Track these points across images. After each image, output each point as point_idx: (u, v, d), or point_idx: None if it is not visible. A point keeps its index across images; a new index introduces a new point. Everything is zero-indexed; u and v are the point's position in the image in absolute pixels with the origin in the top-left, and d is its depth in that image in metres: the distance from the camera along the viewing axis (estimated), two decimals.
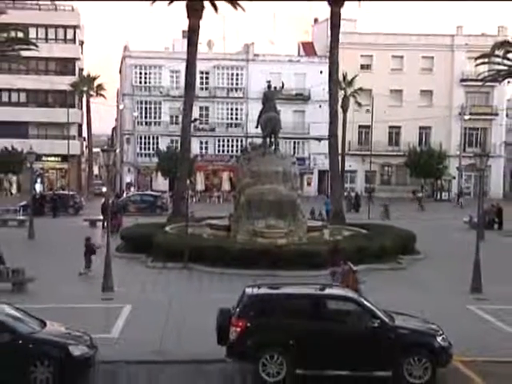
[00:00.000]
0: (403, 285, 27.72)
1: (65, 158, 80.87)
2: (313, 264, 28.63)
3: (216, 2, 48.32)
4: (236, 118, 79.38)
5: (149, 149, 78.22)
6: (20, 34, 51.37)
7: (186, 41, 51.67)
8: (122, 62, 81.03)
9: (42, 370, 15.79)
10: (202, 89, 73.58)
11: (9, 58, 51.64)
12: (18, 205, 54.95)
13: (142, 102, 78.90)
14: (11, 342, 15.97)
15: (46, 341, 16.35)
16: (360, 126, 78.08)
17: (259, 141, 39.60)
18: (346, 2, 47.64)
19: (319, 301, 17.24)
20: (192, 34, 48.89)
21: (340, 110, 55.07)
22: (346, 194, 60.44)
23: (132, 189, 74.86)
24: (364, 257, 30.00)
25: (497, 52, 50.27)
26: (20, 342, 16.02)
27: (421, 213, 61.05)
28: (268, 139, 36.15)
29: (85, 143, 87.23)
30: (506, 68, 50.34)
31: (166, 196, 61.35)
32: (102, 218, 43.62)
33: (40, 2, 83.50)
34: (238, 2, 48.05)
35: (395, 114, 78.32)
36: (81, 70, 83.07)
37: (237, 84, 79.50)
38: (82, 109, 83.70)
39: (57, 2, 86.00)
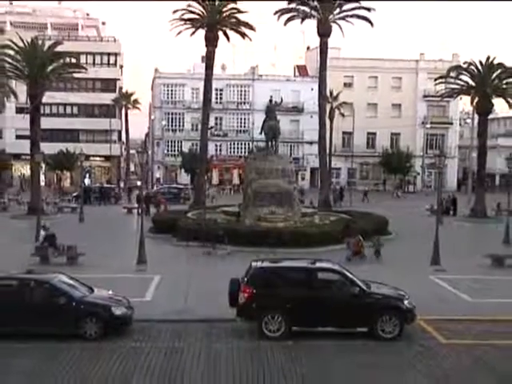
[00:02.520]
0: (378, 259, 27.85)
1: (107, 158, 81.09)
2: (306, 243, 28.65)
3: (228, 34, 48.33)
4: (244, 126, 79.19)
5: (174, 150, 78.15)
6: (73, 60, 51.30)
7: (204, 64, 51.67)
8: (153, 82, 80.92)
9: (91, 326, 16.02)
10: (216, 103, 73.36)
11: (64, 79, 51.65)
12: (71, 195, 55.27)
13: (168, 113, 78.82)
14: (67, 303, 16.16)
15: (94, 303, 16.56)
16: (343, 132, 77.87)
17: (263, 144, 39.64)
18: (331, 34, 47.84)
19: (311, 272, 17.36)
20: (209, 59, 48.93)
21: (327, 120, 54.94)
22: (332, 186, 60.31)
23: (161, 182, 75.14)
24: (346, 237, 30.01)
25: (451, 74, 50.23)
26: (74, 303, 16.21)
27: (392, 201, 60.92)
28: (270, 143, 36.19)
29: (123, 146, 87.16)
30: (458, 87, 50.28)
31: (188, 188, 61.40)
32: (137, 205, 43.71)
33: (89, 35, 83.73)
34: (246, 33, 48.03)
35: (371, 123, 78.34)
36: (120, 88, 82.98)
37: (245, 99, 79.33)
38: (121, 118, 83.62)
39: (102, 34, 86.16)
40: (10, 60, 43.47)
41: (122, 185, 73.95)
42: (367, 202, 56.42)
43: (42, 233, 27.41)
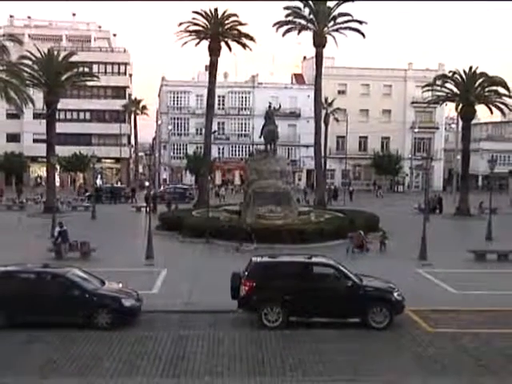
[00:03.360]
0: (369, 254, 27.88)
1: (118, 160, 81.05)
2: (302, 239, 28.63)
3: (230, 44, 48.37)
4: (245, 130, 79.09)
5: (180, 153, 78.12)
6: (86, 69, 51.30)
7: (207, 73, 51.77)
8: (160, 89, 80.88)
9: (103, 316, 16.05)
10: (219, 108, 73.27)
11: (78, 87, 51.81)
12: (84, 195, 55.28)
13: (174, 119, 78.73)
14: (81, 295, 16.20)
15: (105, 295, 16.58)
16: (337, 136, 77.76)
17: (262, 147, 39.60)
18: (326, 45, 47.86)
19: (307, 266, 17.38)
20: (212, 68, 49.01)
21: (323, 124, 54.95)
22: (327, 187, 60.29)
23: (167, 182, 75.11)
24: (341, 233, 30.05)
25: (437, 82, 50.28)
26: (87, 295, 16.25)
27: (381, 200, 60.93)
28: (269, 146, 36.14)
29: (132, 149, 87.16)
30: (444, 94, 50.32)
31: (192, 188, 61.37)
32: (145, 204, 43.71)
33: (101, 46, 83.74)
34: (246, 44, 48.09)
35: (363, 127, 78.17)
36: (130, 95, 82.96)
37: (245, 105, 79.24)
38: (130, 123, 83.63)
39: (113, 45, 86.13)
40: (28, 69, 43.53)
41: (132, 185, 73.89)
42: (351, 201, 56.33)
43: (56, 229, 27.47)
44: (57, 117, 48.61)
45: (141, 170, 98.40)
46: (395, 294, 16.73)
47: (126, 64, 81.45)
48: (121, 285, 17.74)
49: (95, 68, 69.44)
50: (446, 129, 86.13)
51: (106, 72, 77.37)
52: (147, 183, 47.87)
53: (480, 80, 47.23)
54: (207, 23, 47.78)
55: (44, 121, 47.47)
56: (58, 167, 56.08)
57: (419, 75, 77.37)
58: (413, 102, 79.69)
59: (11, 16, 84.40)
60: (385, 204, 54.46)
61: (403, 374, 13.01)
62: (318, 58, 48.23)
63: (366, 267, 20.46)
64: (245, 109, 79.17)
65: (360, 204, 50.25)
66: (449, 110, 79.95)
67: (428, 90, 55.02)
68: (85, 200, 52.51)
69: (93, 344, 14.85)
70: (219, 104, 73.83)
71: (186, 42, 48.11)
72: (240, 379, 12.73)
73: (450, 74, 49.23)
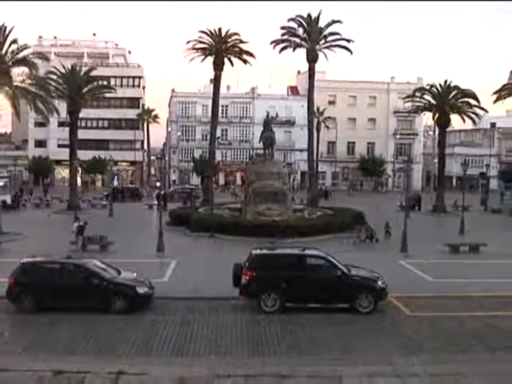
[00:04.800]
0: (356, 247, 27.83)
1: (132, 163, 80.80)
2: (297, 233, 28.47)
3: (232, 60, 48.36)
4: (245, 137, 78.83)
5: (187, 157, 77.78)
6: (104, 82, 51.25)
7: (212, 85, 51.65)
8: (170, 99, 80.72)
9: (119, 302, 16.03)
10: (222, 117, 73.05)
11: (97, 98, 51.70)
12: (102, 194, 55.18)
13: (183, 126, 78.48)
14: (99, 284, 16.19)
15: (122, 283, 16.57)
16: (328, 142, 77.52)
17: (261, 151, 39.55)
18: (318, 60, 47.80)
19: (301, 258, 17.38)
20: (216, 81, 48.93)
21: (315, 131, 54.82)
22: (319, 187, 60.13)
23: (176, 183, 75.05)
24: (331, 229, 30.02)
25: (417, 94, 50.24)
26: (105, 283, 16.24)
27: (366, 198, 60.69)
28: (267, 150, 36.03)
29: (145, 153, 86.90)
30: (422, 104, 50.29)
31: (199, 188, 61.22)
32: (156, 203, 43.61)
33: (117, 61, 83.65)
34: (247, 60, 48.07)
35: (351, 134, 78.04)
36: (143, 105, 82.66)
37: (246, 114, 79.01)
38: (143, 130, 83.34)
39: (128, 61, 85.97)
40: (53, 83, 43.52)
41: (145, 185, 73.85)
42: (331, 199, 56.06)
43: (75, 224, 27.35)
44: (78, 124, 48.57)
45: (153, 171, 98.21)
46: (379, 283, 16.72)
47: (139, 77, 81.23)
48: (135, 274, 17.70)
49: (112, 81, 69.27)
50: (424, 135, 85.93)
51: (121, 85, 77.11)
52: (158, 184, 47.73)
53: (454, 92, 47.19)
54: (212, 41, 47.77)
55: (67, 128, 47.48)
56: (79, 169, 55.89)
57: (400, 88, 77.13)
58: (395, 112, 79.53)
59: (40, 36, 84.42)
60: (369, 202, 54.26)
61: (386, 353, 13.01)
62: (311, 72, 48.15)
63: (356, 259, 20.43)
64: (245, 117, 78.96)
65: (342, 202, 50.19)
66: (427, 118, 79.54)
67: (408, 101, 55.07)
68: (103, 198, 52.38)
69: (111, 326, 14.86)
70: (223, 113, 73.65)
71: (193, 58, 48.11)
72: (241, 358, 12.71)
73: (428, 87, 49.30)
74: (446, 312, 16.37)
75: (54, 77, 44.54)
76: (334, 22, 46.82)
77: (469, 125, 61.16)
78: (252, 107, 78.49)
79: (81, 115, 47.90)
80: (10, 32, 30.22)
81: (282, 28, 47.63)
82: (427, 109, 50.56)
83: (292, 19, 47.04)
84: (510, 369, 11.40)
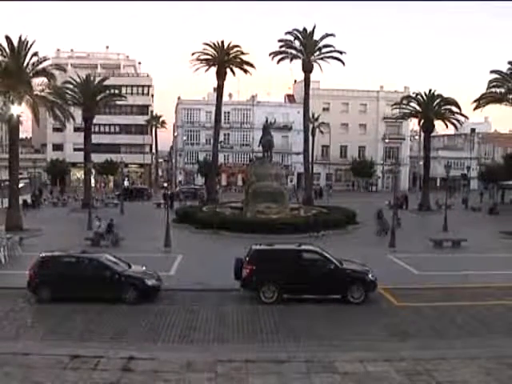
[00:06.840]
0: (349, 242, 27.78)
1: (141, 165, 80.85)
2: (294, 230, 28.40)
3: (234, 70, 48.41)
4: (246, 141, 78.83)
5: (192, 159, 77.73)
6: (116, 91, 51.31)
7: (215, 93, 51.72)
8: (176, 106, 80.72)
9: (130, 293, 15.98)
10: (225, 122, 73.00)
11: (109, 105, 51.85)
12: (114, 194, 55.11)
13: (188, 131, 78.46)
14: (111, 276, 16.20)
15: (132, 276, 16.54)
16: (322, 145, 77.38)
17: (260, 154, 39.54)
18: (313, 70, 47.84)
19: (298, 253, 17.32)
20: (219, 89, 49.04)
21: (310, 136, 54.86)
22: (314, 187, 60.07)
23: (182, 183, 75.01)
24: (326, 225, 29.99)
25: (404, 102, 50.33)
26: (116, 276, 16.23)
27: (358, 197, 60.53)
28: (266, 153, 36.12)
29: (153, 156, 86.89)
30: (409, 111, 50.39)
31: (203, 188, 61.16)
32: (163, 201, 43.49)
33: (128, 71, 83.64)
34: (247, 69, 48.14)
35: (344, 138, 78.06)
36: (151, 111, 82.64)
37: (246, 119, 78.93)
38: (152, 135, 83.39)
39: (138, 71, 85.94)
40: (70, 92, 43.58)
41: (153, 186, 73.78)
42: (326, 199, 55.99)
43: (98, 223, 27.31)
44: (92, 130, 48.60)
45: (160, 173, 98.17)
46: (369, 275, 16.71)
47: (148, 86, 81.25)
48: (144, 267, 17.71)
49: (123, 90, 69.19)
50: (410, 140, 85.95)
51: (132, 93, 77.11)
52: (165, 184, 47.72)
53: (437, 100, 47.26)
54: (215, 53, 47.87)
55: (82, 133, 47.48)
56: (93, 171, 55.91)
57: (389, 96, 77.12)
58: (384, 118, 79.47)
59: (58, 49, 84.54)
60: (360, 201, 54.21)
61: (375, 340, 13.02)
62: (307, 81, 48.26)
63: (346, 252, 20.42)
64: (246, 123, 78.89)
65: (333, 201, 50.17)
66: (413, 124, 79.53)
67: (396, 108, 55.14)
68: (115, 198, 52.38)
69: (122, 315, 14.85)
70: (225, 119, 73.62)
71: (197, 68, 48.33)
72: (242, 345, 12.72)
73: (414, 95, 49.36)
74: (430, 302, 16.38)
75: (71, 86, 44.63)
76: (327, 35, 46.91)
77: (451, 130, 61.23)
78: (252, 113, 78.44)
79: (94, 121, 47.95)
80: (31, 45, 30.27)
81: (280, 41, 47.72)
82: (413, 115, 50.63)
83: (289, 32, 47.14)
84: (489, 352, 11.46)
